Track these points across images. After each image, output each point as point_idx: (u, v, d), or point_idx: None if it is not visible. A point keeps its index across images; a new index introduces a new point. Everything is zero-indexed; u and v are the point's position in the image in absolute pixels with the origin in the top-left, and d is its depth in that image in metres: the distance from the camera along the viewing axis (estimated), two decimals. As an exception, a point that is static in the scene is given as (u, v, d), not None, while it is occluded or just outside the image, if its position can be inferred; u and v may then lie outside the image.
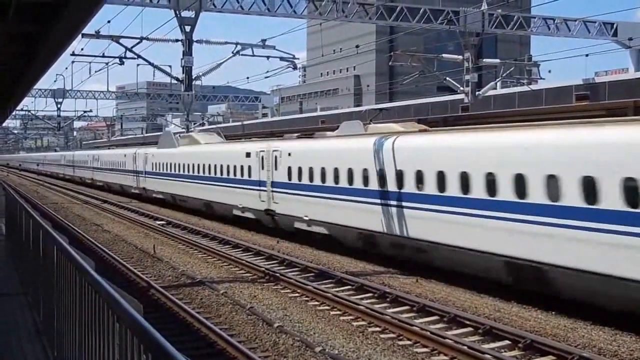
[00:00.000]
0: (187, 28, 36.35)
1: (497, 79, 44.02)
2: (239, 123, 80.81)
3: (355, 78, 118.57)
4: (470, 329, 12.87)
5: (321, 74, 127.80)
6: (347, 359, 11.17)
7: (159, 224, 31.00)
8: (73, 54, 43.92)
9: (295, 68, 45.59)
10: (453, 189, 16.74)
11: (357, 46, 45.97)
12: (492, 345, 11.92)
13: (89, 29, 37.87)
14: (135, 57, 39.91)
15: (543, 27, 42.31)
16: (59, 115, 74.73)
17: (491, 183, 15.56)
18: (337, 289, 16.48)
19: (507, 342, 12.01)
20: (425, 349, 11.84)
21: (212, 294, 16.37)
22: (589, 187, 13.13)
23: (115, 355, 4.00)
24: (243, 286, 17.21)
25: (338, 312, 14.48)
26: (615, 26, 43.32)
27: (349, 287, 16.80)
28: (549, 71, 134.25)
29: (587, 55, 42.61)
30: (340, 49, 66.40)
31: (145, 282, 17.46)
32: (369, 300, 15.28)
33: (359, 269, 19.45)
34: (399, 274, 18.55)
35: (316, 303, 15.38)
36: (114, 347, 4.03)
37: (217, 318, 14.00)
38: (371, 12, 38.11)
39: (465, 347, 11.51)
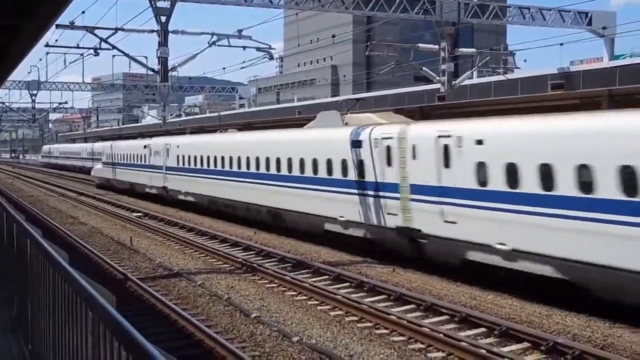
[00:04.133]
0: (163, 18, 36.03)
1: (473, 69, 44.22)
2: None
3: (332, 68, 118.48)
4: (446, 317, 12.98)
5: (298, 64, 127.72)
6: (325, 348, 11.21)
7: (135, 216, 30.85)
8: (47, 45, 43.52)
9: (271, 58, 45.45)
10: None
11: (333, 36, 46.02)
12: (468, 332, 12.03)
13: (63, 19, 37.58)
14: (111, 48, 39.61)
15: (518, 17, 42.48)
16: (33, 107, 74.00)
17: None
18: (315, 279, 16.53)
19: (483, 329, 12.12)
20: (402, 338, 11.92)
21: (190, 285, 16.34)
22: None
23: (89, 347, 4.00)
24: (220, 277, 17.21)
25: (315, 302, 14.52)
26: (589, 15, 43.61)
27: (326, 277, 16.85)
28: (525, 60, 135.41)
29: (561, 44, 42.98)
30: (317, 39, 66.40)
31: (122, 274, 17.39)
32: (346, 290, 15.34)
33: (336, 258, 19.50)
34: (376, 263, 18.63)
35: (293, 293, 15.42)
36: (87, 338, 4.03)
37: (194, 309, 13.98)
38: (347, 1, 38.05)
39: (442, 335, 11.61)
